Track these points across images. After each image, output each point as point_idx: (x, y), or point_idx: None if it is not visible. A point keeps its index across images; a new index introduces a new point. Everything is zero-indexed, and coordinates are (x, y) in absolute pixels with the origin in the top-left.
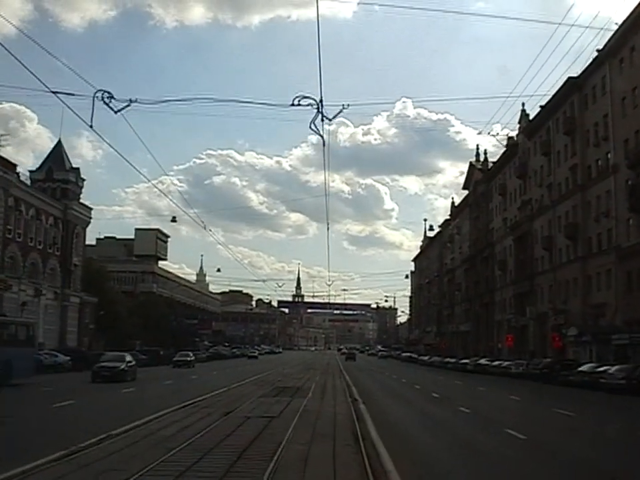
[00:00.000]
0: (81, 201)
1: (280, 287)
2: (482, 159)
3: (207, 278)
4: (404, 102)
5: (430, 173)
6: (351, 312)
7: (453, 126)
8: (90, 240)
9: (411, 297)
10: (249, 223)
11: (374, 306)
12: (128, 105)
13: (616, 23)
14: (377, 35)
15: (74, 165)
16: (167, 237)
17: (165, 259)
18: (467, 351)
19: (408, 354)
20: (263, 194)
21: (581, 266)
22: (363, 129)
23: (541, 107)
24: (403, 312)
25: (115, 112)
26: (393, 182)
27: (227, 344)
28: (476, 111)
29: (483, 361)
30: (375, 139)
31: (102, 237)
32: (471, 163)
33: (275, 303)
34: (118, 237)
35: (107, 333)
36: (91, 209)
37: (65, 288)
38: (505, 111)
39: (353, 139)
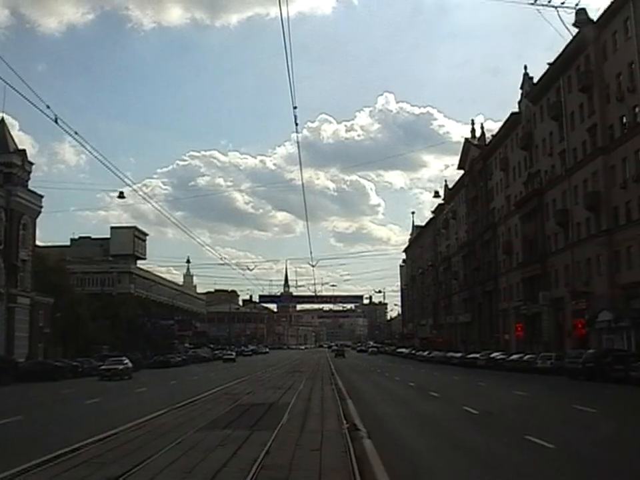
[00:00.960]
0: (31, 188)
1: (266, 285)
2: (478, 134)
3: (195, 279)
4: (386, 97)
5: (415, 167)
6: (341, 308)
7: (436, 119)
8: (64, 241)
9: (403, 289)
10: (235, 224)
11: (366, 297)
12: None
13: None
14: (357, 30)
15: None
16: (145, 235)
17: (144, 258)
18: (467, 344)
19: (403, 349)
20: (248, 194)
21: (606, 240)
22: (345, 125)
23: (548, 64)
24: (396, 305)
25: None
26: (378, 177)
27: (211, 345)
28: (458, 103)
29: (496, 355)
30: (359, 135)
31: (76, 237)
32: (466, 139)
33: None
34: (93, 236)
35: (68, 338)
36: (41, 196)
37: (10, 287)
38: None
39: (336, 135)
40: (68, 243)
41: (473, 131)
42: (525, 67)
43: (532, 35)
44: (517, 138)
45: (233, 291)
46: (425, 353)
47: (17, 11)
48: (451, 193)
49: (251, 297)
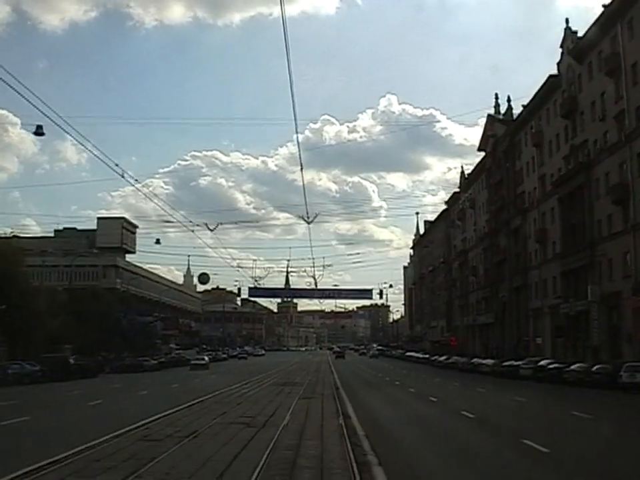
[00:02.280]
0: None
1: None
2: (504, 109)
3: (195, 279)
4: (389, 98)
5: (417, 169)
6: (343, 309)
7: (439, 121)
8: (48, 232)
9: (410, 289)
10: (236, 225)
11: (376, 291)
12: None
13: None
14: (360, 31)
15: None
16: (135, 227)
17: (133, 252)
18: (488, 349)
19: (413, 353)
20: (250, 194)
21: None
22: (348, 126)
23: (604, 6)
24: (398, 310)
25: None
26: (380, 179)
27: (204, 346)
28: (462, 106)
29: (546, 363)
30: (361, 137)
31: (61, 228)
32: (489, 115)
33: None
34: (79, 227)
35: (18, 336)
36: None
37: None
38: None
39: (338, 137)
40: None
41: (497, 106)
42: (567, 21)
43: (536, 36)
44: (554, 106)
45: (231, 292)
46: (442, 358)
47: (18, 7)
48: (468, 180)
49: (239, 290)
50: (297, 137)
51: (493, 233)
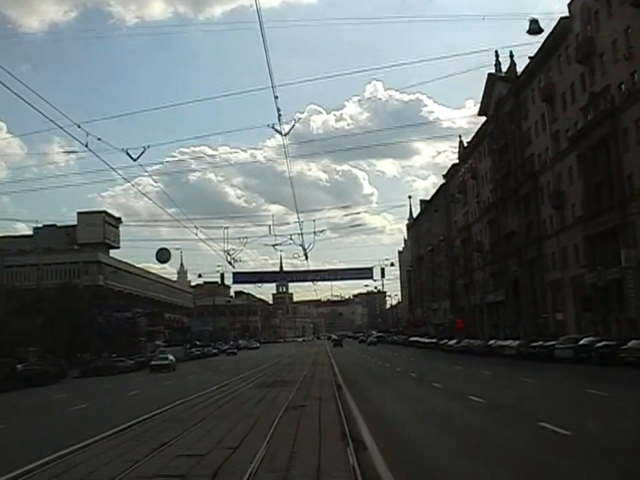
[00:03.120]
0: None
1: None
2: (506, 66)
3: (189, 276)
4: (374, 85)
5: (406, 154)
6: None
7: (425, 105)
8: (28, 230)
9: (408, 272)
10: (229, 218)
11: (377, 269)
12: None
13: None
14: (343, 19)
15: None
16: (119, 220)
17: (117, 247)
18: (499, 329)
19: (417, 337)
20: (240, 188)
21: None
22: (335, 115)
23: None
24: (399, 291)
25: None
26: (370, 166)
27: (197, 342)
28: (447, 89)
29: (592, 340)
30: (348, 124)
31: (40, 225)
32: (489, 74)
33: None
34: (59, 224)
35: None
36: None
37: None
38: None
39: (326, 126)
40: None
41: (498, 64)
42: None
43: (519, 20)
44: (566, 52)
45: (224, 285)
46: (453, 342)
47: None
48: (468, 149)
49: (222, 276)
50: (282, 128)
51: (499, 203)
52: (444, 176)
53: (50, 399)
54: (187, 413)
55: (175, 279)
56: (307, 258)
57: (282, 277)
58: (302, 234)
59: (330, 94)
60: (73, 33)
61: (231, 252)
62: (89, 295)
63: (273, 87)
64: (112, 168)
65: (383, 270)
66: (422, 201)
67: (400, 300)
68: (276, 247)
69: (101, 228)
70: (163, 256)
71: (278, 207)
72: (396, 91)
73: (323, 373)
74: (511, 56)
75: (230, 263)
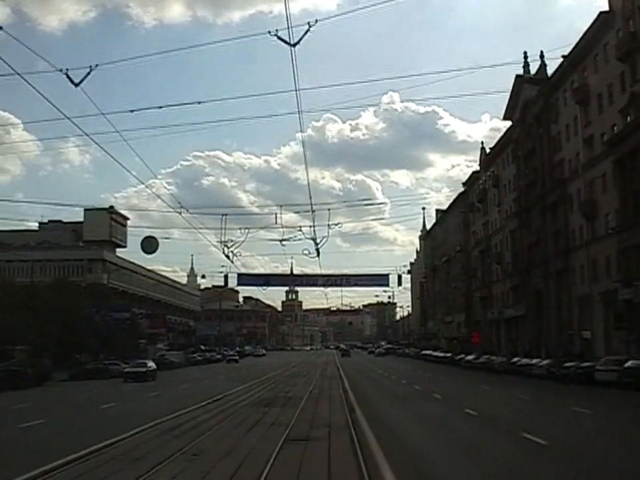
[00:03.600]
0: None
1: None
2: (533, 69)
3: (198, 279)
4: (391, 95)
5: (420, 166)
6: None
7: (441, 118)
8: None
9: (421, 283)
10: (241, 224)
11: (393, 276)
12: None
13: None
14: (362, 28)
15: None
16: (126, 219)
17: (124, 246)
18: (517, 345)
19: (429, 351)
20: (253, 194)
21: None
22: (350, 124)
23: None
24: (406, 306)
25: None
26: (384, 177)
27: (202, 346)
28: (464, 103)
29: None
30: (364, 134)
31: (46, 220)
32: (517, 76)
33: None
34: (65, 220)
35: None
36: None
37: None
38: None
39: (341, 135)
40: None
41: (526, 65)
42: None
43: (538, 34)
44: (605, 50)
45: (233, 289)
46: (470, 357)
47: (17, 9)
48: (490, 156)
49: (226, 277)
50: (302, 135)
51: (524, 212)
52: (463, 184)
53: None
54: (148, 445)
55: (184, 282)
56: (318, 254)
57: (291, 281)
58: (314, 227)
59: (346, 103)
60: (91, 33)
61: (229, 244)
62: (87, 293)
63: (297, 91)
64: (126, 169)
65: (400, 277)
66: (438, 211)
67: (410, 312)
68: (283, 242)
69: (107, 226)
70: (148, 245)
71: (290, 214)
72: (412, 102)
73: (332, 389)
74: (541, 56)
75: (227, 256)
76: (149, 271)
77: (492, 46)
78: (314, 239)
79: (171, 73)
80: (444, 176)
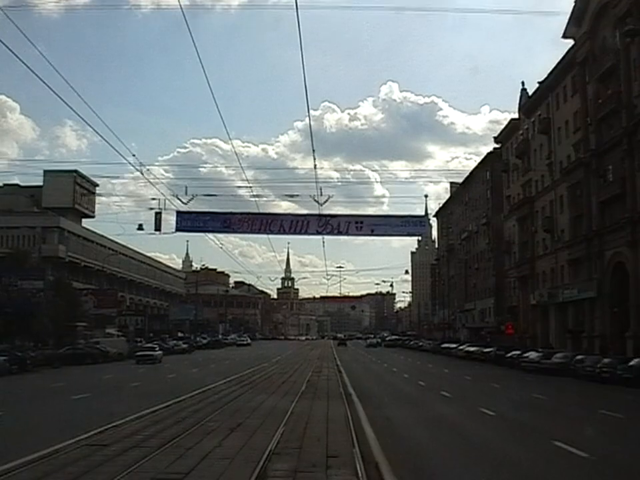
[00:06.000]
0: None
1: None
2: None
3: (194, 266)
4: (390, 86)
5: (419, 157)
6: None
7: (440, 109)
8: None
9: (432, 266)
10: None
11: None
12: None
13: None
14: (362, 18)
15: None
16: (95, 185)
17: (92, 216)
18: (579, 338)
19: (451, 344)
20: (251, 182)
21: None
22: (349, 114)
23: None
24: (410, 293)
25: None
26: (382, 168)
27: (181, 333)
28: (463, 94)
29: None
30: (362, 124)
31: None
32: None
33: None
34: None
35: None
36: None
37: None
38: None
39: (339, 124)
40: None
41: None
42: None
43: (537, 27)
44: None
45: (223, 273)
46: (535, 356)
47: None
48: (535, 97)
49: (158, 215)
50: (310, 121)
51: (594, 157)
52: (495, 138)
53: None
54: None
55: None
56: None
57: (266, 219)
58: (317, 181)
59: (345, 92)
60: (87, 16)
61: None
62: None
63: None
64: (122, 155)
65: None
66: (452, 184)
67: (411, 302)
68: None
69: (71, 191)
70: None
71: (288, 203)
72: (411, 92)
73: (332, 406)
74: None
75: (177, 197)
76: (121, 246)
77: (491, 38)
78: (317, 201)
79: (169, 59)
80: (443, 167)
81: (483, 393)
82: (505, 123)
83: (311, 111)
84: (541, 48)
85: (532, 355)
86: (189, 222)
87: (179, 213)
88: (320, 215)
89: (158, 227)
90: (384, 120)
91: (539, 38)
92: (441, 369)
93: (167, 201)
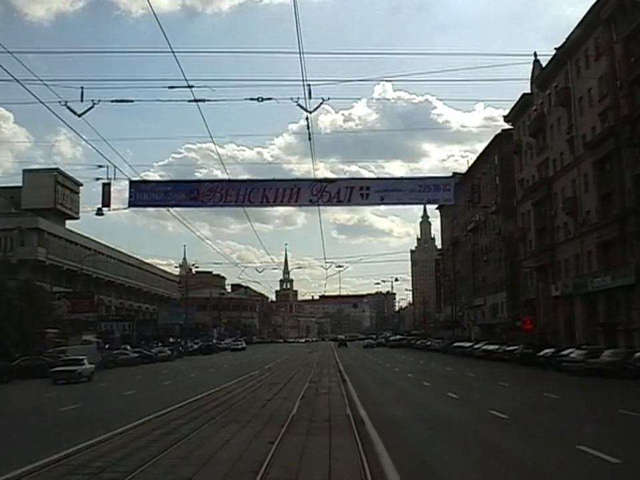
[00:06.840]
0: None
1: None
2: None
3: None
4: (383, 85)
5: (415, 156)
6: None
7: (435, 108)
8: None
9: (436, 261)
10: (235, 216)
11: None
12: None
13: None
14: (354, 18)
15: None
16: (79, 184)
17: (76, 218)
18: (614, 333)
19: (464, 343)
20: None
21: None
22: (344, 115)
23: None
24: (410, 291)
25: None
26: (378, 168)
27: (173, 339)
28: (457, 92)
29: None
30: (357, 125)
31: None
32: None
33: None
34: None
35: None
36: None
37: None
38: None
39: (334, 126)
40: None
41: None
42: None
43: (530, 23)
44: None
45: (219, 275)
46: (578, 354)
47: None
48: (550, 67)
49: (106, 186)
50: (309, 121)
51: (626, 125)
52: (505, 117)
53: None
54: None
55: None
56: (310, 139)
57: (249, 186)
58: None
59: (339, 93)
60: (78, 23)
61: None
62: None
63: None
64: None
65: (456, 180)
66: (455, 174)
67: (410, 302)
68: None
69: (52, 190)
70: None
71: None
72: (405, 92)
73: (336, 453)
74: None
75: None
76: (107, 248)
77: (484, 36)
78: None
79: (162, 63)
80: (439, 166)
81: (542, 408)
82: (501, 119)
83: (306, 113)
84: (534, 42)
85: (574, 353)
86: (145, 194)
87: (132, 182)
88: (314, 180)
89: (107, 202)
90: (378, 120)
91: (531, 32)
92: (464, 373)
93: (116, 170)
